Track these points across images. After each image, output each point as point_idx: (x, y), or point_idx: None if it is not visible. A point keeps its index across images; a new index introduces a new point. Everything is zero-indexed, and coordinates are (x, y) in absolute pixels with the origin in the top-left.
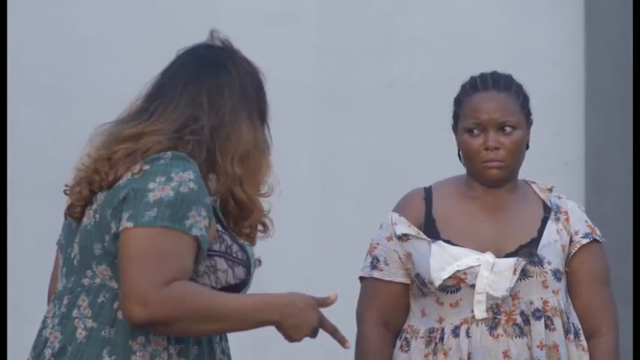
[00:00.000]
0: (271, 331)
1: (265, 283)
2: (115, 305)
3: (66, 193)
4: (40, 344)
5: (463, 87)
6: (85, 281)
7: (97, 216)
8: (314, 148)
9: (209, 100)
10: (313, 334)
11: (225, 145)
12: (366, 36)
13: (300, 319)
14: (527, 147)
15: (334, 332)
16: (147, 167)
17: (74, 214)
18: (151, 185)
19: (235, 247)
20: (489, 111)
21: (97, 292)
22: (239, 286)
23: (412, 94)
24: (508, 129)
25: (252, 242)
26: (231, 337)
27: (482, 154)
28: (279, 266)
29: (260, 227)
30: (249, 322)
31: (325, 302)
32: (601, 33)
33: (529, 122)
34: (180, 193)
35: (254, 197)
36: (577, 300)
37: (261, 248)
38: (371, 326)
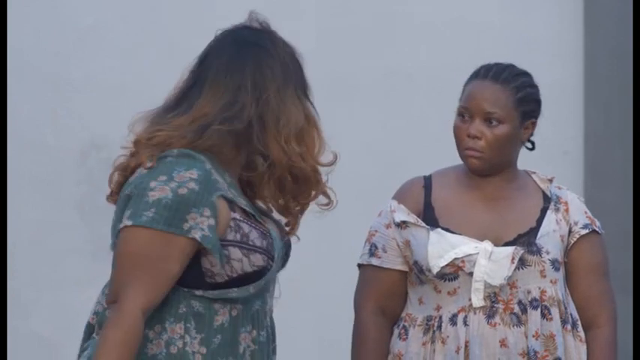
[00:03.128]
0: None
1: None
2: None
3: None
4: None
5: (471, 73)
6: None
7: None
8: None
9: (253, 84)
10: None
11: (276, 128)
12: (366, 23)
13: None
14: (534, 146)
15: None
16: (154, 164)
17: (112, 202)
18: (152, 184)
19: (254, 235)
20: (478, 99)
21: None
22: (258, 274)
23: (412, 83)
24: (494, 122)
25: (297, 218)
26: None
27: (465, 141)
28: None
29: (324, 200)
30: None
31: None
32: (600, 22)
33: (525, 120)
34: (179, 195)
35: (317, 169)
36: (575, 290)
37: None
38: (368, 314)
